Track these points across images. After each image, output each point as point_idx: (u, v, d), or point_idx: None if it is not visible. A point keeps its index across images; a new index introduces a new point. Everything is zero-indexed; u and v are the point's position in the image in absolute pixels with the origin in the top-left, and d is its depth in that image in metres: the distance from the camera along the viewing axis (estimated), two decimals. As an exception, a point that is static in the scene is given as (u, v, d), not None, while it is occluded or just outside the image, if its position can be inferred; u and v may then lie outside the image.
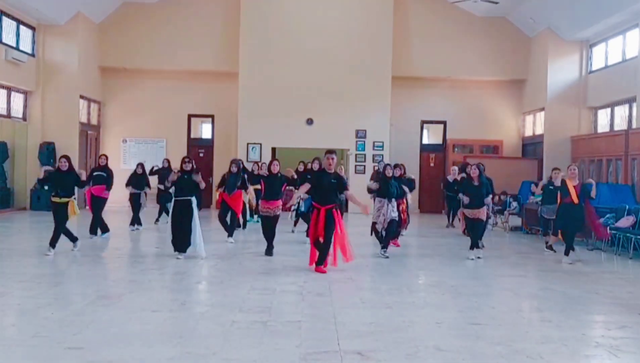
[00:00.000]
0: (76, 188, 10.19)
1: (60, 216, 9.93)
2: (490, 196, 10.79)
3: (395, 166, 11.44)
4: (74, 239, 10.25)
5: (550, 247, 11.51)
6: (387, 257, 10.24)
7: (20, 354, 4.89)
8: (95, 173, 12.14)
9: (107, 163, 12.35)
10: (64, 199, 9.93)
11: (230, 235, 11.90)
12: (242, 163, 12.73)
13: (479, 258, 10.41)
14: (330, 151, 9.08)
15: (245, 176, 12.43)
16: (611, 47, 17.51)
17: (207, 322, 5.93)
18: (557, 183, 11.26)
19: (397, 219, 10.54)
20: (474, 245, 10.53)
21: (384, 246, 10.42)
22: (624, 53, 16.71)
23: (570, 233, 10.45)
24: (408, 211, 12.45)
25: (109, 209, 12.90)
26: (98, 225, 11.97)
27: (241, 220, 14.01)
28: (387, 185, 10.51)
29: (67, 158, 10.24)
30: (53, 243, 9.85)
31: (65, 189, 9.94)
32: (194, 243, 9.73)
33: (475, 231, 10.54)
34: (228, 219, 12.20)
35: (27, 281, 7.79)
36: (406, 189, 10.92)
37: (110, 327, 5.65)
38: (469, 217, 10.64)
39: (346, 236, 9.06)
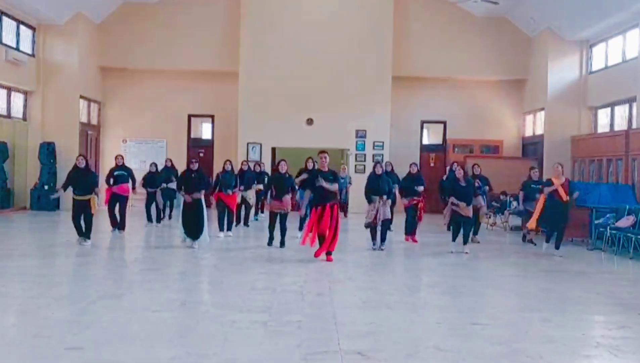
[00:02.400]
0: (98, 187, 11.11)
1: (77, 210, 10.66)
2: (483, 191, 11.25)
3: (412, 164, 12.60)
4: (82, 234, 10.75)
5: (530, 241, 12.10)
6: (383, 249, 10.90)
7: (21, 354, 4.89)
8: (116, 173, 12.73)
9: (124, 162, 13.08)
10: (83, 197, 10.59)
11: (229, 229, 12.53)
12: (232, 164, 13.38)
13: (466, 253, 10.80)
14: (322, 151, 9.86)
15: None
16: (611, 47, 17.48)
17: (207, 322, 5.93)
18: (535, 178, 12.33)
19: (390, 218, 11.13)
20: (466, 240, 11.03)
21: (382, 239, 11.03)
22: (624, 53, 16.70)
23: (559, 228, 10.93)
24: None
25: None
26: (123, 221, 12.57)
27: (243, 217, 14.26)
28: (377, 182, 10.93)
29: (84, 156, 11.13)
30: (87, 234, 10.67)
31: (84, 187, 10.63)
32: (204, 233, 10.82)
33: (465, 228, 10.97)
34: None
35: (27, 281, 7.80)
36: (394, 187, 11.37)
37: (110, 327, 5.65)
38: (459, 214, 10.97)
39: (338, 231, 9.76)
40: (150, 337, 5.33)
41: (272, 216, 10.91)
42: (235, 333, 5.51)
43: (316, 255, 9.69)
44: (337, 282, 8.12)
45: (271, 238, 10.98)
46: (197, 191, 10.73)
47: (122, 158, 13.21)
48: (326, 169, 9.79)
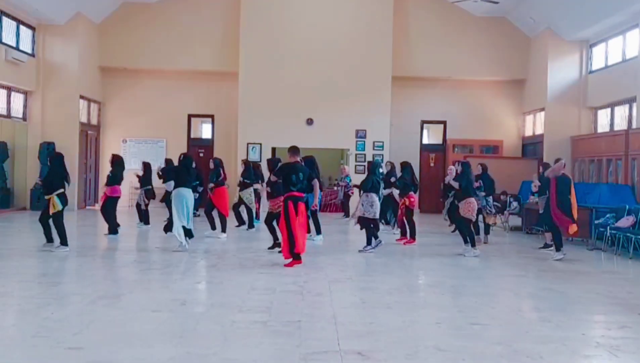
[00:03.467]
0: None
1: (43, 209, 10.28)
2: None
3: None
4: (49, 239, 10.23)
5: (545, 246, 11.79)
6: (372, 252, 10.62)
7: (20, 354, 4.89)
8: (110, 174, 12.59)
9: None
10: (47, 195, 10.14)
11: (223, 230, 12.39)
12: (221, 161, 13.39)
13: (464, 256, 10.62)
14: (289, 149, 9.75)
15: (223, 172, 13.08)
16: (611, 47, 17.48)
17: (207, 322, 5.93)
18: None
19: (370, 217, 10.71)
20: (473, 242, 10.76)
21: (367, 242, 10.80)
22: (624, 53, 16.70)
23: (549, 229, 10.91)
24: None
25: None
26: (113, 223, 12.33)
27: (246, 219, 14.12)
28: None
29: (55, 152, 10.54)
30: (57, 238, 10.11)
31: (46, 184, 10.17)
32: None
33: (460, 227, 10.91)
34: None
35: (27, 281, 7.81)
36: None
37: (110, 327, 5.66)
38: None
39: (285, 230, 9.05)
40: (150, 337, 5.33)
41: (268, 217, 10.68)
42: (235, 333, 5.51)
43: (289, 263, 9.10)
44: (337, 282, 8.12)
45: (275, 242, 10.47)
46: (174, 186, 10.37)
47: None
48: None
